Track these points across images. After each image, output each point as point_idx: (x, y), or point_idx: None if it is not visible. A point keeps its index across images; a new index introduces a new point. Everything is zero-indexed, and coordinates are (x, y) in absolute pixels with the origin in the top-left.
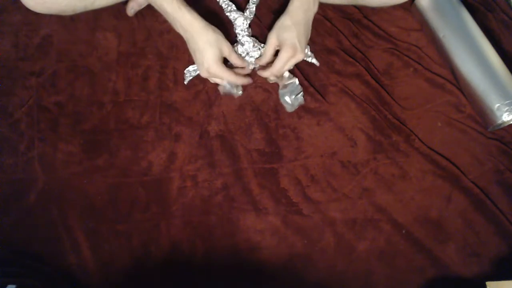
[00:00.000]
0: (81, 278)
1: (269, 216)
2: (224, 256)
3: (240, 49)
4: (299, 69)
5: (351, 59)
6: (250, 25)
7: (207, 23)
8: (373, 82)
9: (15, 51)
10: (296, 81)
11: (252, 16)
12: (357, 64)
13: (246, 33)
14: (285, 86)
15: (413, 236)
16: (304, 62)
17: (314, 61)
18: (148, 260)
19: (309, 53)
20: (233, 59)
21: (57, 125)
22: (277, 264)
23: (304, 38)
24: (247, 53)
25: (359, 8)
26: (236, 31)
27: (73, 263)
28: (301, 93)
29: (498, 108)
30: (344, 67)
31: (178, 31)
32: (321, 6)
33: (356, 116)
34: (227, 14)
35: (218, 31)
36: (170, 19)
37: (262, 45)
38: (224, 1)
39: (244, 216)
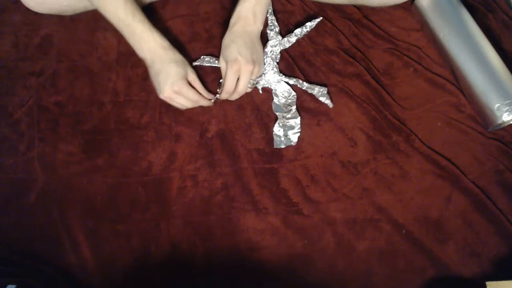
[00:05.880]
0: (81, 278)
1: (269, 216)
2: (224, 256)
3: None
4: (299, 69)
5: (351, 59)
6: (281, 53)
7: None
8: (373, 82)
9: (15, 51)
10: (299, 119)
11: (288, 45)
12: (357, 64)
13: (275, 63)
14: (286, 119)
15: (413, 236)
16: (304, 62)
17: (327, 102)
18: (148, 260)
19: (325, 92)
20: (197, 85)
21: (57, 125)
22: (277, 264)
23: (248, 50)
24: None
25: (359, 8)
26: (265, 50)
27: (73, 263)
28: (298, 133)
29: (498, 108)
30: (344, 67)
31: (142, 55)
32: (321, 6)
33: (356, 116)
34: (267, 31)
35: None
36: (136, 40)
37: (282, 76)
38: (271, 19)
39: (244, 216)
